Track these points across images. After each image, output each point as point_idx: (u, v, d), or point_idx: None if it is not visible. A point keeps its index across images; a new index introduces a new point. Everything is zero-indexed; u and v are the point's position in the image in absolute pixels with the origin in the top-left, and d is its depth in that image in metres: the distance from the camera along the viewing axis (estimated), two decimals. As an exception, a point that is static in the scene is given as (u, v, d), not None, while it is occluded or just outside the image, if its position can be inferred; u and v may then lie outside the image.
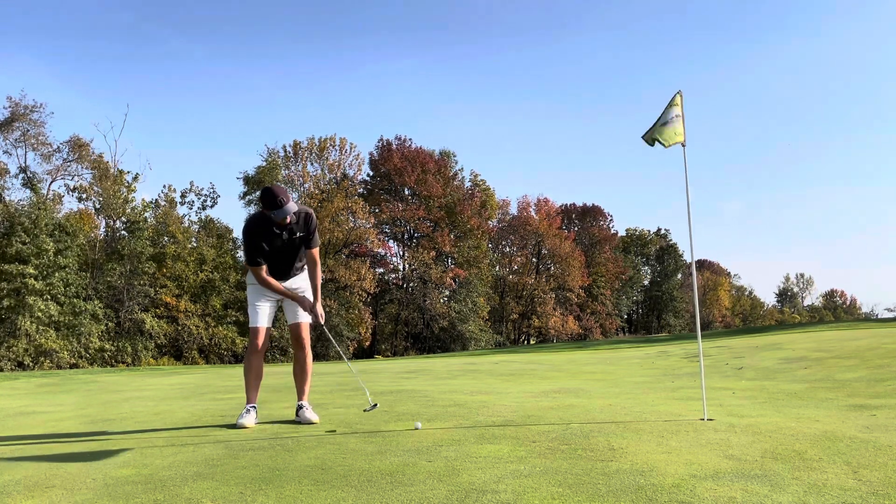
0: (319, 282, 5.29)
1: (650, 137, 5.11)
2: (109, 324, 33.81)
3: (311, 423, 5.07)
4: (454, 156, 54.65)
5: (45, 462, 4.02)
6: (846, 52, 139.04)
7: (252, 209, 42.79)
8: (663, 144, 5.06)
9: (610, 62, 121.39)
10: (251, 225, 5.09)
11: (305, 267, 5.36)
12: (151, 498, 3.05)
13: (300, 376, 5.35)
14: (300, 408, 5.24)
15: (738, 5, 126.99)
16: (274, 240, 5.05)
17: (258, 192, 43.15)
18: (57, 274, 31.26)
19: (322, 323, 5.15)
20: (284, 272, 5.22)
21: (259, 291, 5.23)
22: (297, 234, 5.11)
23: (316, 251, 5.27)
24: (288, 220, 4.98)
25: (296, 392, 5.42)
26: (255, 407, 5.23)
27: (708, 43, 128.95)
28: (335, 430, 4.69)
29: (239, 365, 32.01)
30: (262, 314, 5.22)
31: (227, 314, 37.62)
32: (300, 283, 5.33)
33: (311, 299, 5.25)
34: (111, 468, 3.71)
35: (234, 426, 5.05)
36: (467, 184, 55.59)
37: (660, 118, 5.11)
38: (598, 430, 4.30)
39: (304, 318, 5.26)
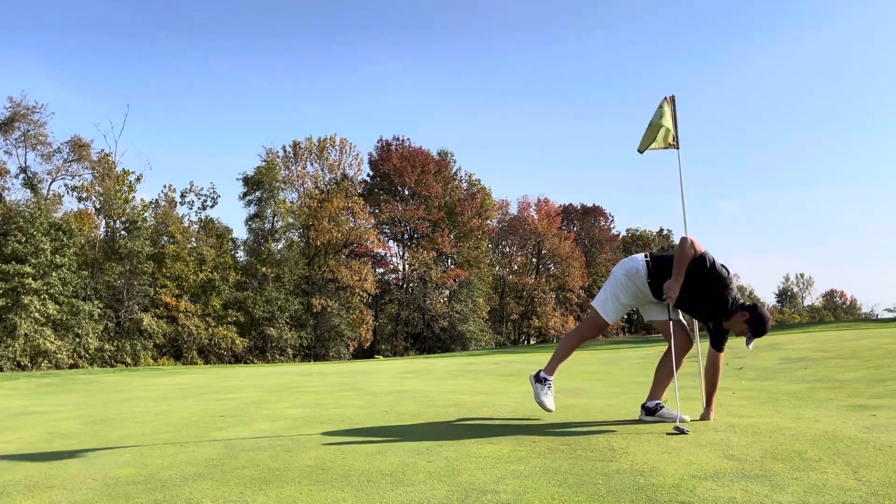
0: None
1: (665, 142, 5.07)
2: (109, 324, 33.79)
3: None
4: (452, 155, 54.67)
5: (45, 462, 4.02)
6: (845, 51, 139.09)
7: (251, 209, 42.75)
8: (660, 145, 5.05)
9: (610, 61, 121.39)
10: None
11: None
12: (151, 498, 3.05)
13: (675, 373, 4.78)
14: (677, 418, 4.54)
15: (734, 3, 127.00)
16: None
17: (257, 193, 42.84)
18: (54, 273, 31.21)
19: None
20: None
21: (629, 292, 4.71)
22: None
23: None
24: None
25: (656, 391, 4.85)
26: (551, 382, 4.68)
27: (706, 42, 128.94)
28: (335, 430, 4.69)
29: (239, 365, 31.99)
30: (617, 311, 4.75)
31: (227, 314, 37.61)
32: None
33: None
34: (111, 468, 3.71)
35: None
36: (464, 184, 55.58)
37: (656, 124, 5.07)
38: (598, 430, 4.31)
39: (675, 315, 4.85)
